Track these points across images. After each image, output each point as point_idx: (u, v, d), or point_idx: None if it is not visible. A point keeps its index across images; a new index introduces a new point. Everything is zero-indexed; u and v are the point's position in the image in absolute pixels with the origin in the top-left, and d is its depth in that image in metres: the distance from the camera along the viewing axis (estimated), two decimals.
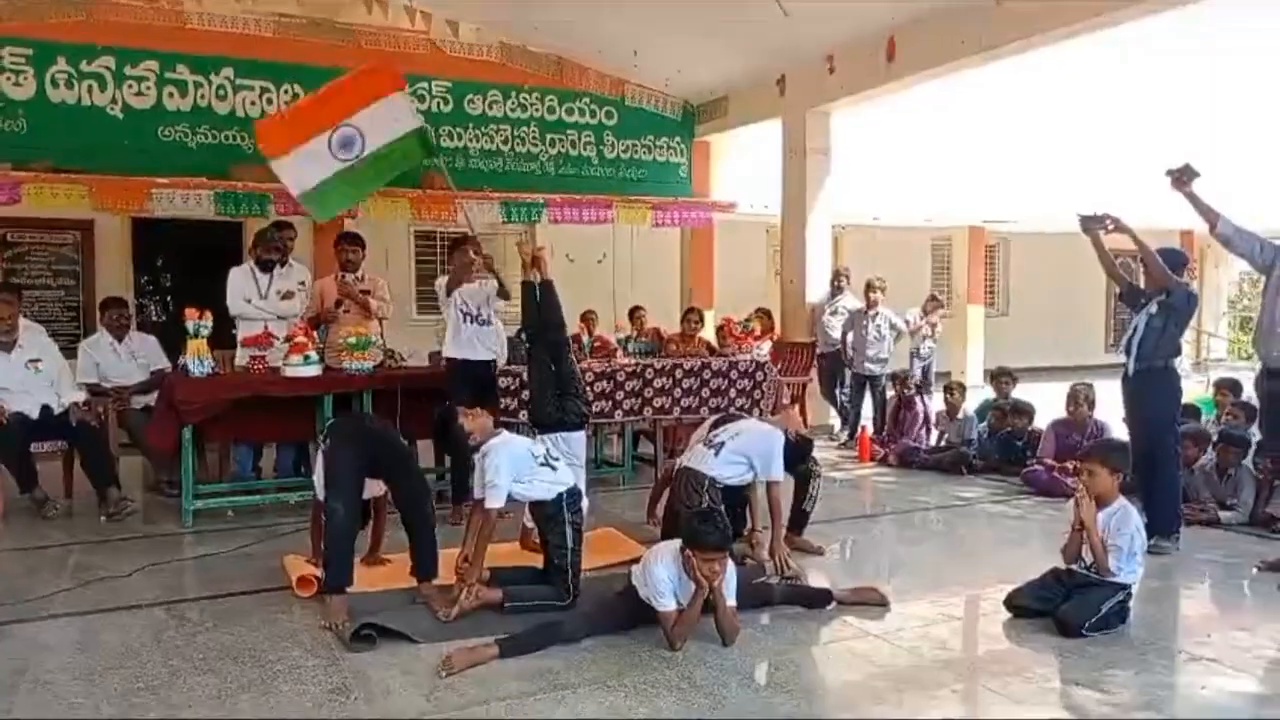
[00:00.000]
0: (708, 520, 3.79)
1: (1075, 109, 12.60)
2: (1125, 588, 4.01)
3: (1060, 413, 7.05)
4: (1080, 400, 6.87)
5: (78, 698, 3.30)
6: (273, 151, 5.72)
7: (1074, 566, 4.14)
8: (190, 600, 4.41)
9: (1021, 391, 8.13)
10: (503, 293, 5.87)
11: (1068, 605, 3.96)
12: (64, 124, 8.54)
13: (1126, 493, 4.33)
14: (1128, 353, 5.36)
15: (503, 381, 6.18)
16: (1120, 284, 5.71)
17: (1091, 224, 5.31)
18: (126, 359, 6.83)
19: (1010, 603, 4.16)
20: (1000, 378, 8.23)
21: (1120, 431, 6.46)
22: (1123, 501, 4.12)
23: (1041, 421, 7.41)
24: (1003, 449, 7.54)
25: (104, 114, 8.73)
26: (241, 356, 6.29)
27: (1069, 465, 6.36)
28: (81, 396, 6.24)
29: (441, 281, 6.02)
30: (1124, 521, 4.05)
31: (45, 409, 6.04)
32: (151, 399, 6.42)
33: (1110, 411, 6.84)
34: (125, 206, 8.47)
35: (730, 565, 3.81)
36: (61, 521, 5.84)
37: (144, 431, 6.27)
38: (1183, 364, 5.72)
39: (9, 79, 8.41)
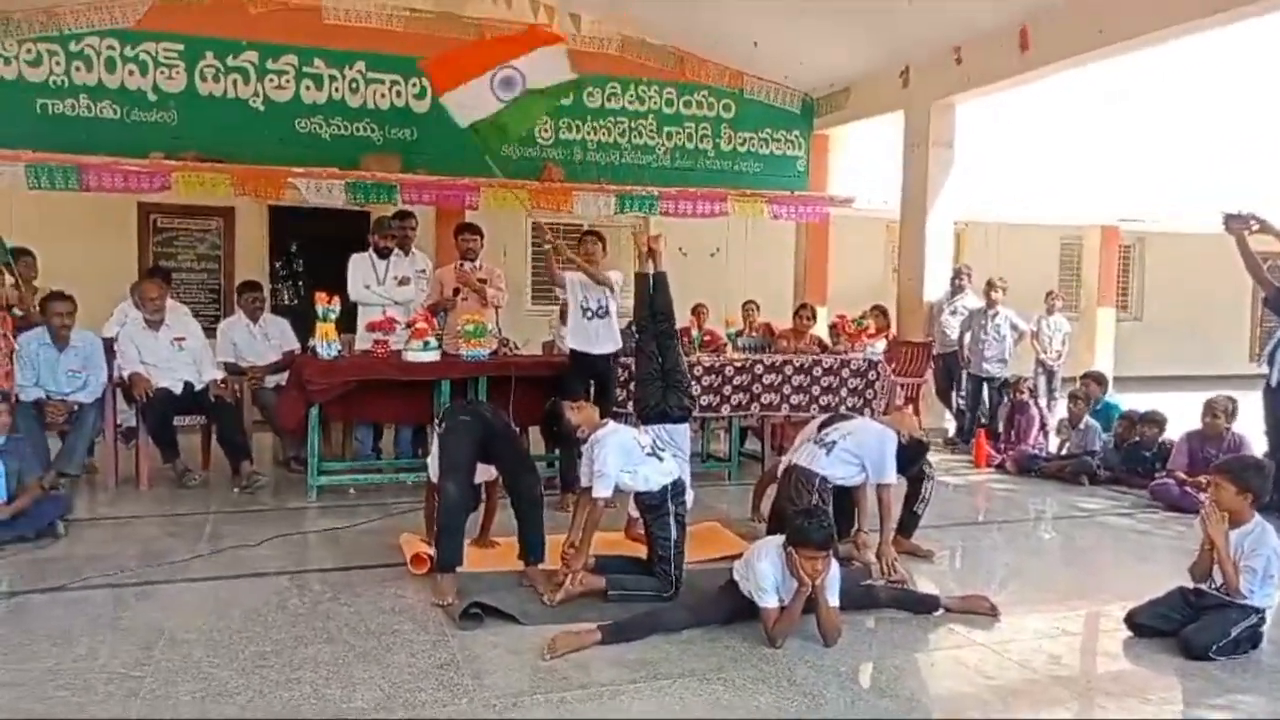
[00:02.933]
0: (812, 518, 3.76)
1: (1220, 100, 11.86)
2: (1259, 611, 3.78)
3: (1195, 424, 6.67)
4: (1217, 411, 6.48)
5: (208, 658, 3.51)
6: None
7: (1203, 586, 3.92)
8: (313, 571, 4.63)
9: (1154, 401, 7.76)
10: (600, 283, 5.92)
11: (1194, 626, 3.76)
12: (210, 116, 9.05)
13: (1265, 511, 4.08)
14: (1271, 363, 5.06)
15: (618, 374, 6.24)
16: (1267, 289, 5.39)
17: (1236, 223, 5.03)
18: (260, 340, 7.21)
19: (1131, 620, 3.97)
20: (1087, 381, 7.92)
21: (1260, 446, 6.10)
22: (1259, 521, 3.88)
23: (1174, 433, 7.03)
24: (1129, 460, 7.19)
25: (246, 106, 9.21)
26: (364, 340, 6.56)
27: (1201, 480, 6.02)
28: (220, 375, 6.61)
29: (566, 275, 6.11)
30: (1260, 542, 3.81)
31: (187, 385, 6.42)
32: (283, 378, 6.76)
33: (1251, 425, 6.46)
34: (264, 195, 8.92)
35: (834, 565, 3.77)
36: (199, 491, 6.21)
37: (274, 409, 6.61)
38: None
39: (162, 73, 8.96)
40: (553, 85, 6.03)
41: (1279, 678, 3.59)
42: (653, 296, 5.53)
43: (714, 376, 6.73)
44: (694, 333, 8.28)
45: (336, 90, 9.48)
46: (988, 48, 8.40)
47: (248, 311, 7.25)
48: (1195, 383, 11.06)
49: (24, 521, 4.89)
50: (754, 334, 8.88)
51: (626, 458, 4.21)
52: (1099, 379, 8.38)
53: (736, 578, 3.90)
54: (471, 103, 6.01)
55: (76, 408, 6.03)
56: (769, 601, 3.73)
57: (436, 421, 5.10)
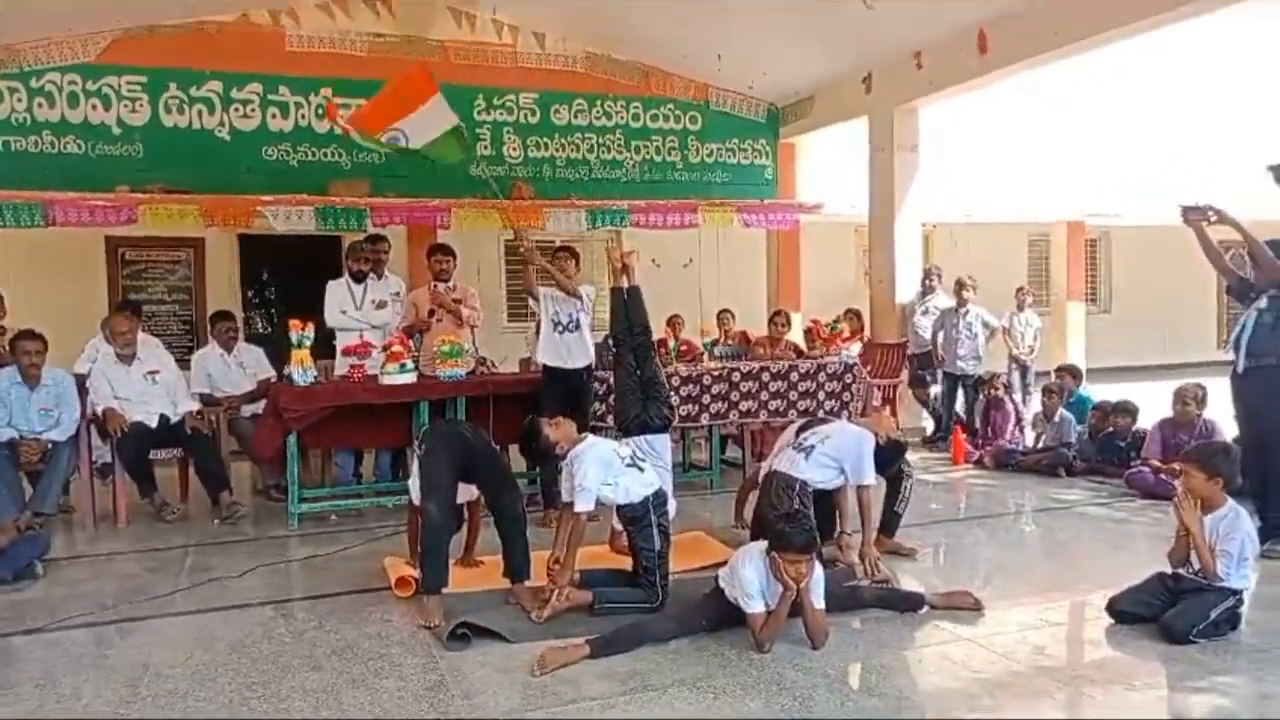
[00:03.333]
0: (794, 522, 3.78)
1: (1177, 96, 12.06)
2: (1236, 593, 3.84)
3: (1167, 412, 6.77)
4: (1188, 399, 6.58)
5: (195, 691, 3.48)
6: (373, 130, 6.31)
7: (1181, 571, 3.99)
8: (297, 600, 4.61)
9: (1126, 391, 7.87)
10: (572, 295, 5.96)
11: (1174, 611, 3.82)
12: (176, 147, 9.00)
13: (1240, 495, 4.15)
14: (1237, 350, 5.14)
15: (593, 387, 6.26)
16: (1228, 277, 5.48)
17: (1193, 215, 5.11)
18: (235, 369, 7.17)
19: (1113, 608, 4.03)
20: (1061, 374, 8.04)
21: (1232, 431, 6.20)
22: (1232, 505, 3.96)
23: (1146, 422, 7.13)
24: (1104, 450, 7.29)
25: (212, 136, 9.18)
26: (341, 365, 6.55)
27: (1175, 467, 6.10)
28: (195, 406, 6.57)
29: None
30: (1234, 526, 3.89)
31: (163, 418, 6.37)
32: (259, 407, 6.72)
33: (1221, 411, 6.56)
34: (233, 224, 8.86)
35: (818, 567, 3.80)
36: (178, 524, 6.16)
37: (251, 439, 6.57)
38: None
39: (126, 106, 8.91)
40: (437, 140, 6.12)
41: (1259, 658, 3.65)
42: (627, 310, 5.56)
43: (692, 386, 6.76)
44: (670, 343, 8.32)
45: (303, 117, 9.46)
46: (947, 52, 8.53)
47: (221, 341, 7.21)
48: (1165, 372, 11.23)
49: (1, 563, 4.83)
50: (730, 342, 8.94)
51: (606, 470, 4.23)
52: (1074, 371, 8.52)
53: (722, 584, 3.92)
54: (414, 130, 6.18)
55: (50, 446, 5.96)
56: (755, 607, 3.75)
57: (416, 443, 5.09)
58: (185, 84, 9.07)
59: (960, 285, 8.84)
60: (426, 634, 3.98)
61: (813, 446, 4.80)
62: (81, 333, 7.07)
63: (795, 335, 8.96)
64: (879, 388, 8.74)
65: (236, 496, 6.43)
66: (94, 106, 8.82)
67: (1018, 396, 9.03)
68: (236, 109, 9.24)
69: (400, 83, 6.40)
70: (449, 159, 6.60)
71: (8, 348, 6.22)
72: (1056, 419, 7.66)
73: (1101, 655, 3.83)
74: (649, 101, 10.69)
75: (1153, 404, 7.35)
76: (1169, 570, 4.04)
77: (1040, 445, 7.73)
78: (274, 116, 9.36)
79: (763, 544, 3.84)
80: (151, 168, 8.81)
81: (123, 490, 6.24)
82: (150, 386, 6.43)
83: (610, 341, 6.01)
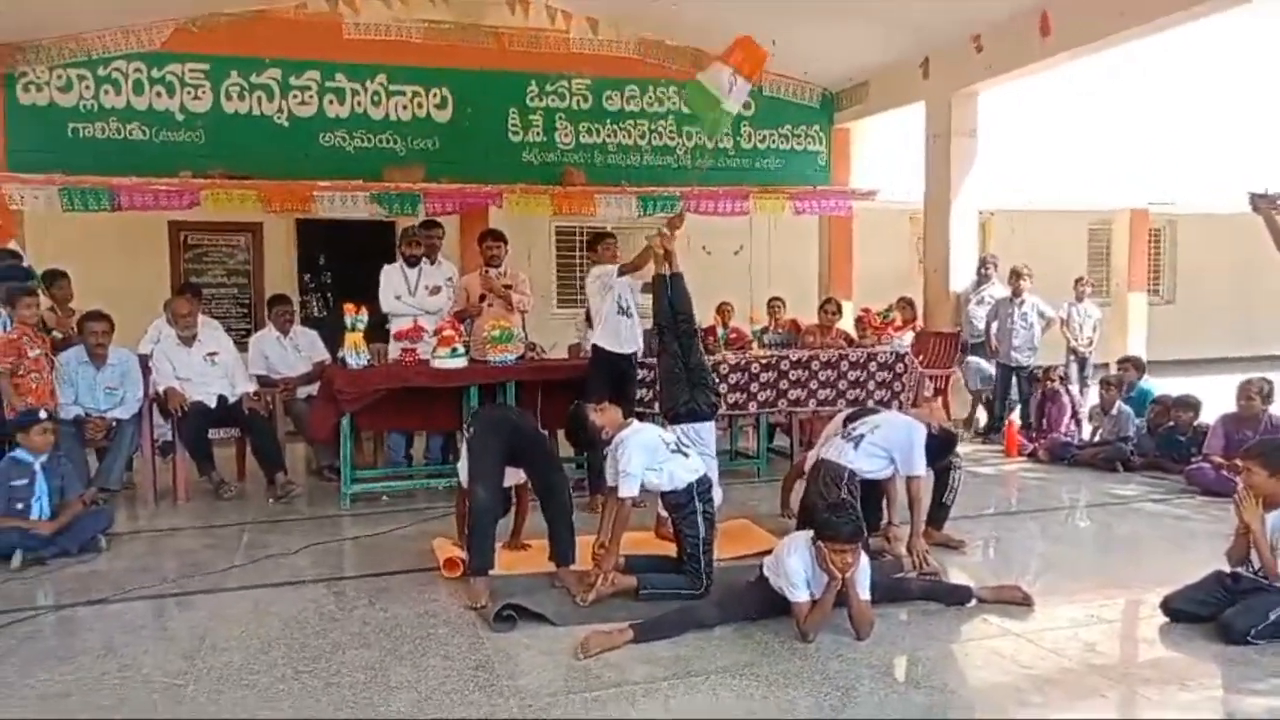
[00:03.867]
0: (840, 512, 3.76)
1: (1248, 79, 11.66)
2: None
3: (1231, 407, 6.58)
4: (1253, 393, 6.39)
5: (249, 664, 3.58)
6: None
7: (1240, 570, 3.88)
8: (349, 578, 4.70)
9: (1189, 385, 7.66)
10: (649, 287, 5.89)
11: (1232, 610, 3.73)
12: (236, 133, 9.19)
13: None
14: None
15: (639, 374, 6.27)
16: None
17: (1263, 202, 4.95)
18: (291, 352, 7.31)
19: (1168, 606, 3.94)
20: (1123, 366, 7.84)
21: None
22: None
23: (1209, 417, 6.94)
24: (1164, 445, 7.11)
25: (271, 123, 9.34)
26: (394, 349, 6.64)
27: (1237, 462, 5.93)
28: (253, 387, 6.72)
29: (605, 269, 6.02)
30: None
31: (221, 399, 6.53)
32: (314, 389, 6.85)
33: None
34: (290, 209, 9.05)
35: (864, 558, 3.77)
36: (235, 502, 6.31)
37: (306, 420, 6.71)
38: None
39: (189, 93, 9.11)
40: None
41: None
42: (671, 298, 5.54)
43: (740, 374, 6.74)
44: (720, 331, 8.28)
45: (359, 103, 9.58)
46: (1008, 35, 8.34)
47: (278, 324, 7.37)
48: (1231, 365, 10.90)
49: (67, 537, 5.00)
50: (780, 330, 8.89)
51: (651, 456, 4.23)
52: (1136, 363, 8.30)
53: (767, 573, 3.91)
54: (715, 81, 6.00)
55: (114, 424, 6.15)
56: (800, 596, 3.73)
57: (465, 426, 5.15)
58: (246, 71, 9.24)
59: (1016, 274, 8.66)
60: (473, 614, 4.04)
61: (862, 435, 4.76)
62: (145, 314, 7.27)
63: (846, 324, 8.87)
64: (931, 378, 8.61)
65: (291, 476, 6.56)
66: (158, 94, 9.03)
67: (1075, 389, 8.84)
68: (295, 95, 9.39)
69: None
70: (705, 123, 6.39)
71: (75, 328, 6.42)
72: (1114, 412, 7.48)
73: (1156, 654, 3.75)
74: None
75: (1217, 398, 7.14)
76: (1227, 569, 3.93)
77: (1097, 439, 7.56)
78: (331, 103, 9.50)
79: (809, 533, 3.83)
80: (213, 153, 9.00)
81: (183, 468, 6.41)
82: (210, 367, 6.58)
83: (655, 329, 6.00)
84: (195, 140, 9.11)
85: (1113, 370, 8.31)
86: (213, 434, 6.57)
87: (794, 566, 3.75)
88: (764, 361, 6.83)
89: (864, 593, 3.75)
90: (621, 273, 5.89)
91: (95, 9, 8.47)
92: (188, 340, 6.59)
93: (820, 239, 11.61)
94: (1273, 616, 3.66)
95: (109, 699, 3.30)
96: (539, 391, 6.34)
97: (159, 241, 10.23)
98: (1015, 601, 4.13)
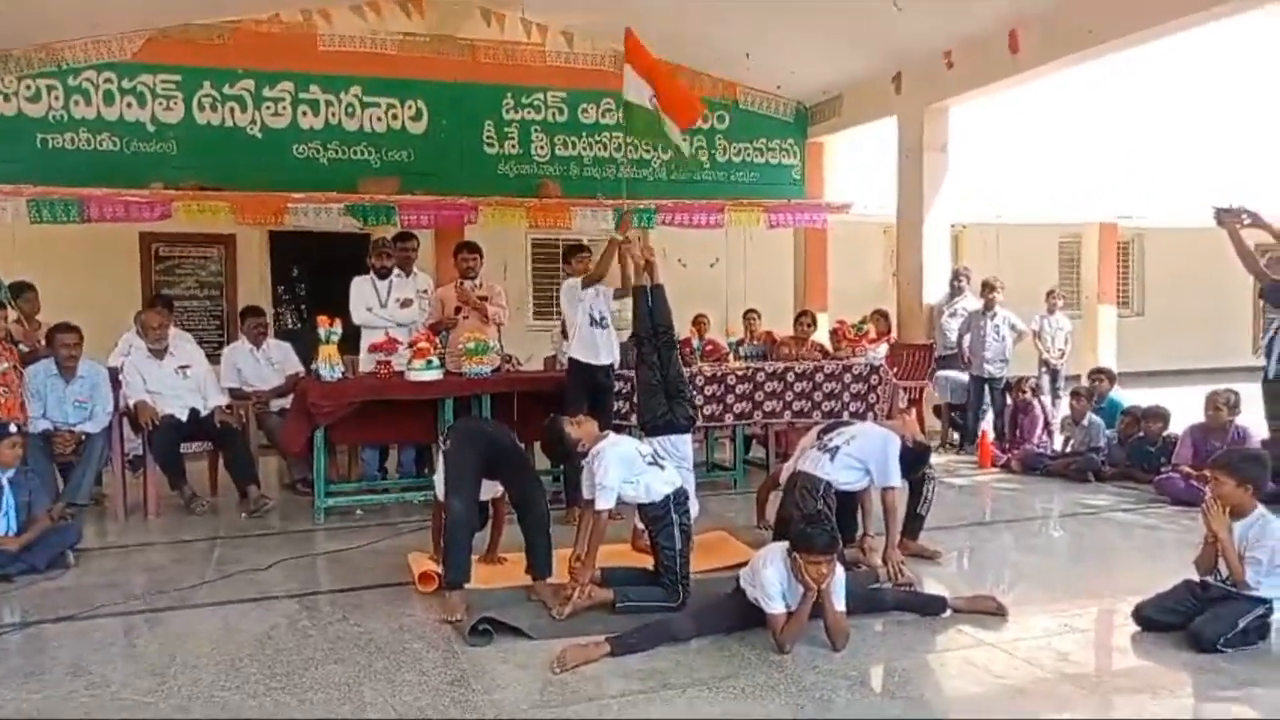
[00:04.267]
0: (815, 523, 3.77)
1: (1213, 96, 11.89)
2: (1266, 602, 3.78)
3: (1199, 418, 6.68)
4: (1220, 404, 6.49)
5: (220, 681, 3.53)
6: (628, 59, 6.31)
7: (1209, 579, 3.93)
8: (322, 593, 4.65)
9: (1158, 396, 7.76)
10: (621, 293, 5.92)
11: (1202, 619, 3.77)
12: (209, 144, 9.13)
13: (1270, 502, 4.08)
14: (1268, 354, 5.07)
15: (616, 385, 6.26)
16: (1263, 281, 5.40)
17: (1228, 217, 5.06)
18: (264, 364, 7.25)
19: (1139, 615, 3.98)
20: (1095, 377, 7.94)
21: (1263, 437, 6.11)
22: (1262, 511, 3.89)
23: (1177, 427, 7.04)
24: (1134, 455, 7.20)
25: (244, 134, 9.29)
26: (367, 362, 6.60)
27: (1206, 473, 6.02)
28: (225, 400, 6.65)
29: (573, 282, 6.04)
30: (1263, 533, 3.82)
31: (193, 412, 6.46)
32: (287, 402, 6.79)
33: (1254, 417, 6.46)
34: (264, 220, 8.98)
35: (839, 569, 3.79)
36: (207, 517, 6.23)
37: (280, 433, 6.64)
38: None
39: (160, 104, 9.05)
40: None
41: None
42: (652, 309, 5.55)
43: (716, 386, 6.75)
44: (695, 343, 8.29)
45: (333, 115, 9.56)
46: (978, 51, 8.46)
47: (250, 337, 7.30)
48: (1198, 376, 11.05)
49: (34, 553, 4.91)
50: (755, 342, 8.91)
51: (628, 468, 4.23)
52: (1108, 375, 8.38)
53: (743, 585, 3.91)
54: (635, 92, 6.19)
55: (84, 437, 6.07)
56: (776, 608, 3.74)
57: (441, 439, 5.13)
58: (218, 82, 9.20)
59: (988, 287, 8.76)
60: (449, 629, 4.01)
61: (838, 447, 4.78)
62: (115, 327, 7.18)
63: (821, 336, 8.92)
64: (905, 390, 8.68)
65: (264, 490, 6.50)
66: (129, 104, 8.96)
67: (1047, 400, 8.93)
68: (268, 107, 9.35)
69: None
70: (635, 132, 6.59)
71: (44, 341, 6.33)
72: (1085, 423, 7.57)
73: (1128, 663, 3.78)
74: None
75: (1185, 409, 7.24)
76: (1197, 578, 3.98)
77: (1068, 450, 7.64)
78: (305, 114, 9.46)
79: (784, 545, 3.84)
80: (185, 165, 8.94)
81: (153, 482, 6.32)
82: (181, 380, 6.51)
83: (633, 341, 6.01)
84: (167, 151, 9.05)
85: (1084, 382, 8.40)
86: (184, 448, 6.49)
87: (770, 578, 3.75)
88: (740, 373, 6.86)
89: (840, 604, 3.77)
90: (586, 284, 5.90)
91: (66, 19, 8.38)
92: (159, 353, 6.51)
93: (795, 252, 11.68)
94: (1241, 624, 3.71)
95: (77, 717, 3.24)
96: (515, 404, 6.33)
97: (129, 253, 10.11)
98: (990, 611, 4.16)
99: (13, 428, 5.19)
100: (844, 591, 3.80)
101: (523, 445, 4.94)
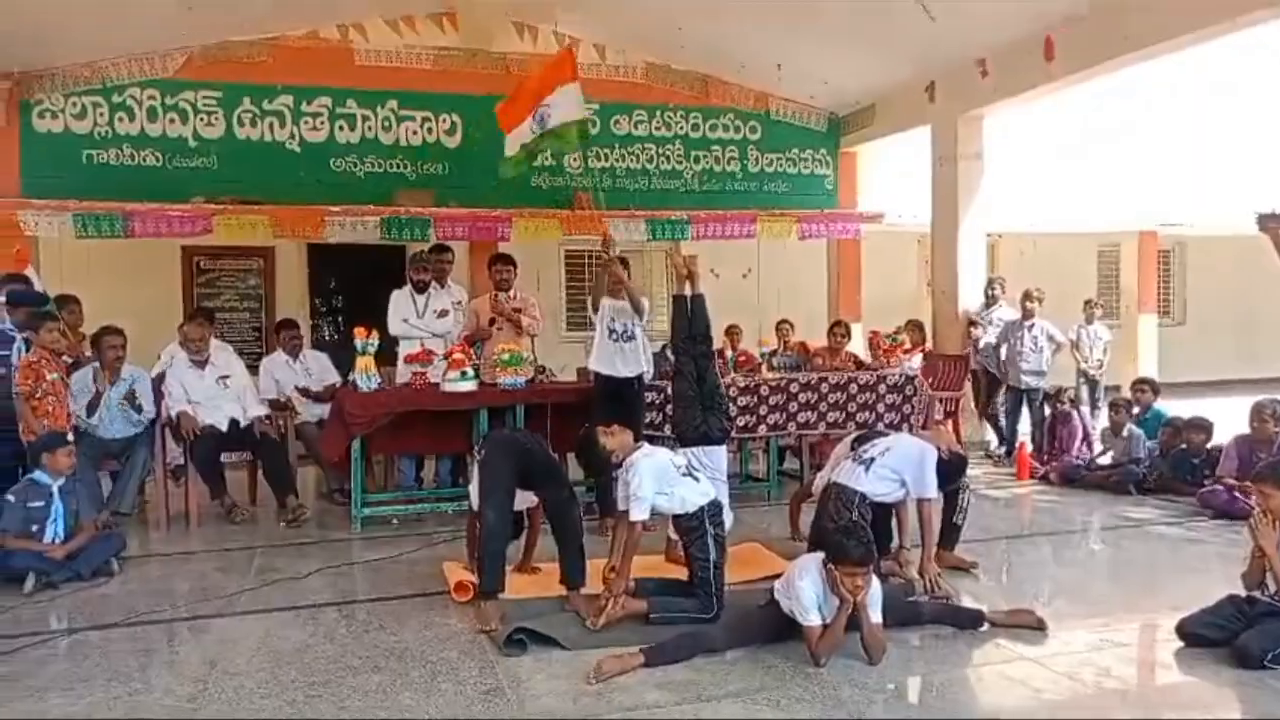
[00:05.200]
0: (851, 535, 3.75)
1: (1255, 101, 11.69)
2: None
3: (1244, 429, 6.55)
4: (1267, 415, 6.36)
5: (259, 689, 3.58)
6: (505, 128, 6.61)
7: (1256, 594, 3.86)
8: (360, 602, 4.70)
9: (1201, 407, 7.63)
10: (635, 308, 5.94)
11: (1248, 634, 3.69)
12: (248, 159, 9.28)
13: None
14: None
15: (648, 396, 6.28)
16: None
17: (1271, 222, 4.97)
18: (302, 375, 7.34)
19: (1183, 630, 3.91)
20: (1138, 387, 7.80)
21: None
22: None
23: (1221, 439, 6.91)
24: (1176, 468, 7.07)
25: (283, 149, 9.44)
26: (403, 373, 6.67)
27: (1251, 485, 5.90)
28: (264, 411, 6.75)
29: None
30: None
31: (233, 422, 6.56)
32: (325, 412, 6.87)
33: None
34: (302, 234, 9.13)
35: (875, 581, 3.76)
36: (247, 526, 6.32)
37: (318, 443, 6.73)
38: None
39: (202, 120, 9.22)
40: (566, 125, 6.24)
41: None
42: (691, 319, 5.53)
43: (750, 397, 6.74)
44: (728, 354, 8.29)
45: (369, 129, 9.68)
46: (1012, 58, 8.38)
47: (286, 349, 7.41)
48: (1243, 386, 10.85)
49: (79, 561, 5.01)
50: (789, 353, 8.88)
51: (661, 480, 4.23)
52: (1153, 386, 8.19)
53: (778, 597, 3.89)
54: (515, 139, 6.50)
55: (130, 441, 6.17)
56: (811, 620, 3.72)
57: (475, 450, 5.16)
58: (258, 98, 9.35)
59: (1027, 297, 8.66)
60: (484, 638, 4.03)
61: (873, 459, 4.75)
62: (157, 338, 7.31)
63: (855, 346, 8.87)
64: (940, 400, 8.60)
65: (302, 500, 6.58)
66: (171, 120, 9.14)
67: (1086, 411, 8.81)
68: (306, 122, 9.49)
69: (546, 68, 6.61)
70: (567, 149, 6.81)
71: (91, 348, 6.46)
72: (1125, 434, 7.46)
73: (1171, 679, 3.72)
74: (708, 111, 10.70)
75: (1229, 420, 7.11)
76: (1243, 593, 3.91)
77: (1108, 461, 7.53)
78: (341, 128, 9.59)
79: (819, 556, 3.82)
80: (225, 179, 9.09)
81: (195, 492, 6.43)
82: (221, 391, 6.61)
83: (668, 351, 6.01)
84: (208, 166, 9.21)
85: (1125, 393, 8.27)
86: (224, 457, 6.60)
87: (805, 590, 3.74)
88: (773, 384, 6.84)
89: (876, 616, 3.74)
90: (594, 307, 6.02)
91: (109, 38, 8.58)
92: (200, 364, 6.62)
93: (828, 262, 11.63)
94: None
95: None
96: (548, 414, 6.35)
97: (171, 266, 10.31)
98: (1028, 625, 4.10)
99: (69, 436, 5.31)
100: (880, 604, 3.77)
101: (556, 456, 4.96)
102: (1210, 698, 3.46)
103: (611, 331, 5.97)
